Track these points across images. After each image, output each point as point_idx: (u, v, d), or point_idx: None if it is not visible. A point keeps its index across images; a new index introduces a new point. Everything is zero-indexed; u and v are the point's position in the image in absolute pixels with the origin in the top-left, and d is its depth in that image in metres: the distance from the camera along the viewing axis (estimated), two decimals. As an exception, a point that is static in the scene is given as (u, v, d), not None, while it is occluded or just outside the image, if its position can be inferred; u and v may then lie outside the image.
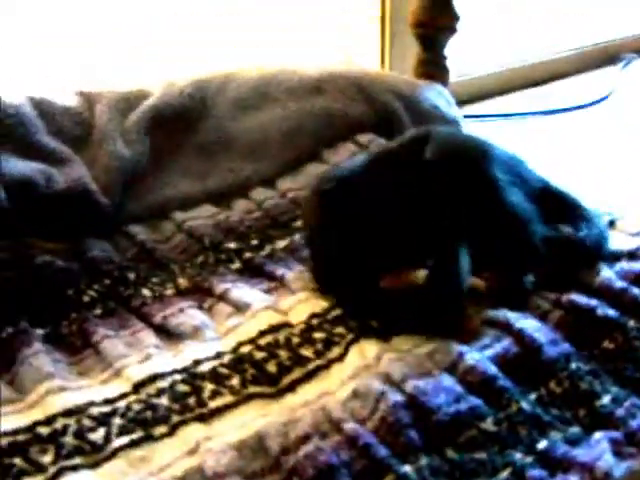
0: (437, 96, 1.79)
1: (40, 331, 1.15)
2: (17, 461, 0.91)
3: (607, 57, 2.90)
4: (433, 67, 1.91)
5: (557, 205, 1.29)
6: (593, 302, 1.12)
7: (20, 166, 1.37)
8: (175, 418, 0.98)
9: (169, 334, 1.15)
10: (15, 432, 0.95)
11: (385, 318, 1.12)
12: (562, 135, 2.35)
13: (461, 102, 2.01)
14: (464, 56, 2.13)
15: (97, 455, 0.93)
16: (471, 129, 1.86)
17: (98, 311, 1.20)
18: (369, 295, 1.16)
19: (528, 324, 1.08)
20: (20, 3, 1.81)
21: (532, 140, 2.28)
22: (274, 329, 1.11)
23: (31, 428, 0.96)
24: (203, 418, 0.98)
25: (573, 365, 1.04)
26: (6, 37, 1.78)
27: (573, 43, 2.85)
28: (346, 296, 1.17)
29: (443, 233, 1.14)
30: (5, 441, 0.93)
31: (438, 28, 1.89)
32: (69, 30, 1.86)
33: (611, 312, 1.11)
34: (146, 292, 1.24)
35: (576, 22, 2.88)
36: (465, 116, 1.89)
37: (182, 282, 1.26)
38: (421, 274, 1.16)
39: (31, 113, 1.45)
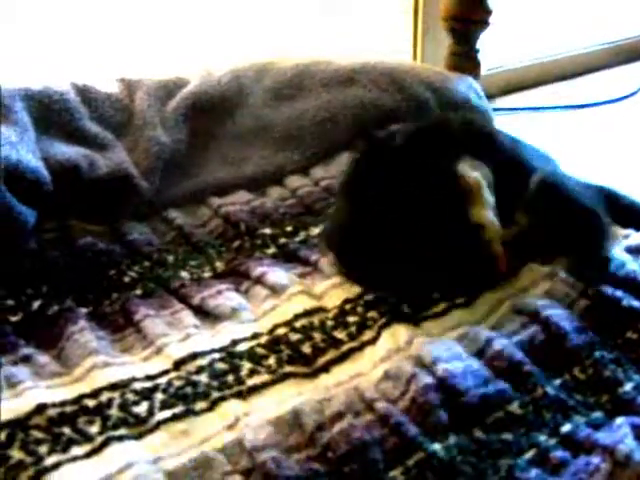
0: (468, 88, 1.81)
1: (84, 309, 1.20)
2: (66, 430, 0.96)
3: (637, 52, 2.90)
4: (465, 60, 1.93)
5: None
6: (618, 293, 1.16)
7: (65, 151, 1.42)
8: (214, 394, 1.02)
9: (207, 315, 1.19)
10: (63, 404, 1.00)
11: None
12: (592, 129, 2.36)
13: (491, 95, 2.02)
14: (495, 49, 2.14)
15: (141, 427, 0.97)
16: (501, 122, 1.88)
17: (138, 291, 1.24)
18: None
19: (555, 312, 1.12)
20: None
21: (561, 134, 2.29)
22: (309, 313, 1.16)
23: (78, 400, 1.01)
24: (241, 395, 1.02)
25: (597, 353, 1.07)
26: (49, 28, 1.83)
27: (603, 38, 2.86)
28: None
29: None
30: (54, 412, 0.98)
31: (471, 22, 1.90)
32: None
33: (636, 303, 1.14)
34: (184, 274, 1.28)
35: (606, 17, 2.88)
36: (495, 109, 1.91)
37: (219, 265, 1.31)
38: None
39: (75, 99, 1.49)
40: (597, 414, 1.00)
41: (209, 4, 2.02)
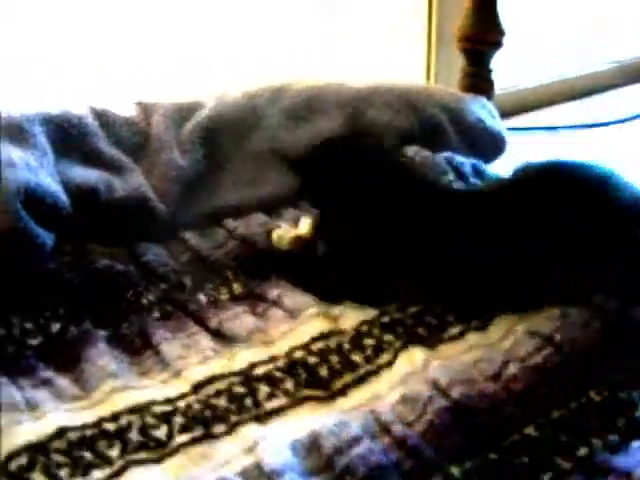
0: (482, 109, 1.83)
1: (102, 332, 1.21)
2: (86, 454, 0.97)
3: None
4: (478, 80, 1.94)
5: None
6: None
7: (83, 174, 1.43)
8: (233, 418, 1.03)
9: (225, 337, 1.20)
10: (83, 427, 1.01)
11: None
12: (605, 148, 2.36)
13: (505, 114, 2.03)
14: (508, 68, 2.15)
15: (161, 451, 0.98)
16: (513, 141, 1.89)
17: (156, 314, 1.26)
18: None
19: (568, 335, 1.12)
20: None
21: (575, 153, 2.29)
22: (325, 335, 1.17)
23: (98, 424, 1.02)
24: (259, 418, 1.03)
25: (612, 375, 1.08)
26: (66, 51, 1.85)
27: (616, 56, 2.87)
28: None
29: None
30: (74, 435, 0.99)
31: (484, 43, 1.92)
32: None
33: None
34: (202, 297, 1.29)
35: (619, 35, 2.90)
36: (508, 128, 1.92)
37: (236, 287, 1.32)
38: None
39: (93, 123, 1.51)
40: (613, 437, 1.00)
41: (208, 5, 2.02)
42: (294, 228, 1.44)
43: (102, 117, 1.54)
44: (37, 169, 1.34)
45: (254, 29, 2.07)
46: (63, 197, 1.35)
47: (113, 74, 1.88)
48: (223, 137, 1.61)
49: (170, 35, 1.96)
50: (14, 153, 1.33)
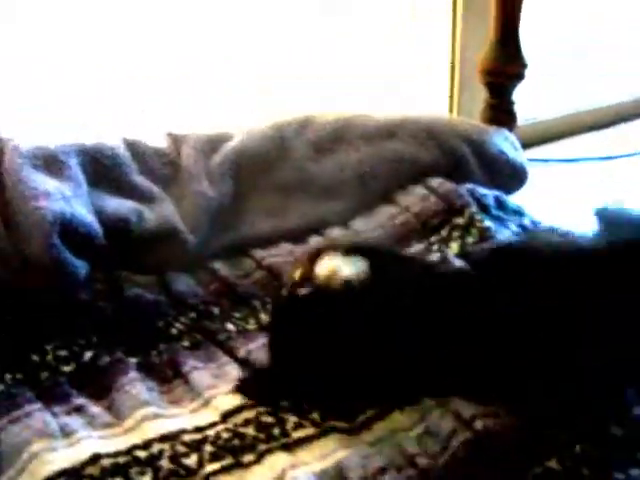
0: (504, 141, 1.84)
1: (133, 360, 1.24)
2: (119, 481, 1.00)
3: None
4: (501, 113, 1.96)
5: None
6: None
7: (115, 204, 1.46)
8: (261, 447, 1.06)
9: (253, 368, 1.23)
10: (116, 454, 1.04)
11: None
12: (627, 180, 2.37)
13: (525, 145, 2.05)
14: (529, 99, 2.17)
15: (192, 479, 1.01)
16: (535, 172, 1.91)
17: (186, 343, 1.29)
18: None
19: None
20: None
21: (596, 184, 2.31)
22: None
23: (130, 451, 1.05)
24: (287, 447, 1.06)
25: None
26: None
27: (637, 88, 2.88)
28: None
29: None
30: (107, 462, 1.02)
31: (507, 76, 1.94)
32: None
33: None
34: (230, 327, 1.32)
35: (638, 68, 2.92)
36: (529, 159, 1.94)
37: (264, 317, 1.35)
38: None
39: (125, 154, 1.54)
40: (636, 471, 1.02)
41: (208, 5, 2.05)
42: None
43: (133, 148, 1.57)
44: (72, 199, 1.37)
45: (254, 30, 2.09)
46: (97, 227, 1.38)
47: (112, 74, 1.90)
48: (251, 168, 1.63)
49: (170, 34, 1.98)
50: (50, 184, 1.36)
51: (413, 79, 2.31)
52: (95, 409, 1.14)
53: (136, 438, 1.07)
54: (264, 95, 2.12)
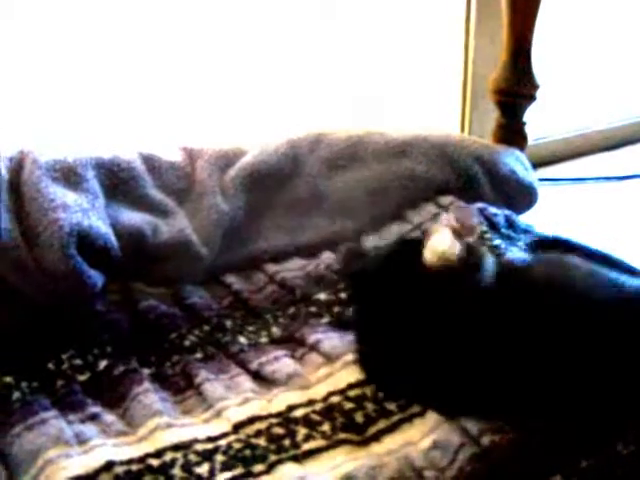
0: (515, 161, 1.86)
1: (147, 370, 1.26)
2: (133, 489, 1.02)
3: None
4: (512, 133, 1.97)
5: None
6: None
7: (131, 217, 1.49)
8: (272, 457, 1.07)
9: (264, 380, 1.25)
10: (129, 462, 1.05)
11: None
12: (637, 200, 2.38)
13: (535, 165, 2.07)
14: (539, 119, 2.19)
15: (203, 487, 1.03)
16: (545, 192, 1.92)
17: (199, 355, 1.31)
18: None
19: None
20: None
21: (606, 205, 2.32)
22: (362, 383, 1.20)
23: (143, 459, 1.06)
24: (297, 458, 1.08)
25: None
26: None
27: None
28: None
29: None
30: (121, 469, 1.04)
31: (518, 96, 1.96)
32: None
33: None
34: (242, 340, 1.34)
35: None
36: (540, 179, 1.96)
37: (275, 331, 1.37)
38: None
39: (141, 168, 1.56)
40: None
41: (208, 9, 2.05)
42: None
43: (149, 162, 1.59)
44: (89, 212, 1.39)
45: (254, 31, 2.11)
46: (113, 240, 1.41)
47: (112, 79, 1.92)
48: (264, 184, 1.65)
49: (169, 36, 1.99)
50: (69, 196, 1.39)
51: (425, 96, 2.33)
52: (109, 417, 1.16)
53: (149, 446, 1.09)
54: (268, 101, 2.14)
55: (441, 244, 1.19)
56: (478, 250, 1.24)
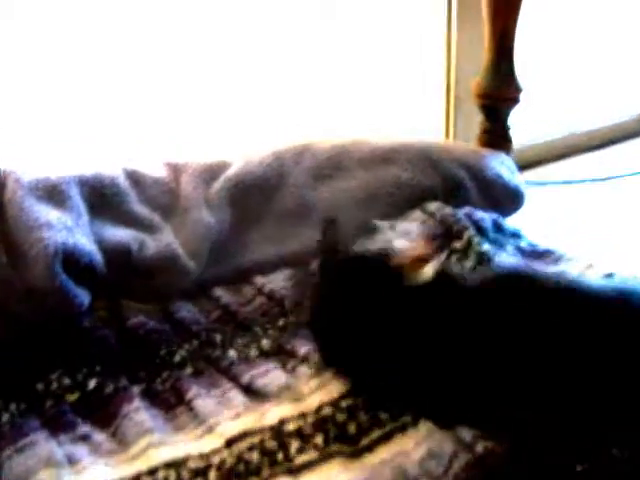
0: (501, 165, 1.86)
1: (137, 387, 1.25)
2: (126, 508, 1.01)
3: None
4: (496, 137, 1.98)
5: None
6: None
7: (116, 233, 1.48)
8: (266, 472, 1.06)
9: (256, 394, 1.23)
10: (122, 481, 1.05)
11: None
12: (623, 201, 2.38)
13: (521, 167, 2.07)
14: (525, 122, 2.20)
15: (197, 505, 1.02)
16: (532, 195, 1.92)
17: (189, 370, 1.30)
18: None
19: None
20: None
21: (592, 206, 2.32)
22: (353, 392, 1.19)
23: (136, 478, 1.05)
24: (291, 471, 1.06)
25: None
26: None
27: (633, 109, 2.91)
28: None
29: None
30: (114, 489, 1.04)
31: (502, 100, 1.96)
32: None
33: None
34: (232, 353, 1.33)
35: (635, 87, 2.94)
36: (526, 182, 1.96)
37: (265, 343, 1.36)
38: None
39: (125, 183, 1.56)
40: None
41: (207, 9, 2.06)
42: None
43: (133, 177, 1.59)
44: (74, 229, 1.39)
45: (254, 33, 2.11)
46: (98, 257, 1.40)
47: (93, 95, 1.91)
48: (250, 196, 1.65)
49: (168, 38, 1.99)
50: (52, 214, 1.38)
51: (408, 101, 2.32)
52: (100, 437, 1.15)
53: (142, 465, 1.08)
54: (260, 102, 2.14)
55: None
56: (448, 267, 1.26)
